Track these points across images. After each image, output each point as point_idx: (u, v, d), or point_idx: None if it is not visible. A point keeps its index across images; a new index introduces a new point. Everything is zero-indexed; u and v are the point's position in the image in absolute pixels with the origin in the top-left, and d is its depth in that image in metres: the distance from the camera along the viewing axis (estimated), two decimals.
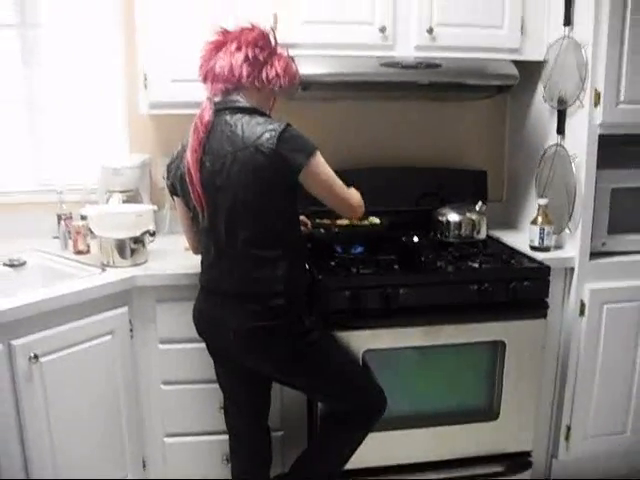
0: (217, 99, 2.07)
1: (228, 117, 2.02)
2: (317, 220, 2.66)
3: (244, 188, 1.98)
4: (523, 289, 2.42)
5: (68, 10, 2.83)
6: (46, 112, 2.93)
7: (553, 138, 2.70)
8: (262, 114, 2.06)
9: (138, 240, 2.44)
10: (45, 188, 2.92)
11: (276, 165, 1.96)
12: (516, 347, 2.49)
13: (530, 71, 2.77)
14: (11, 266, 2.56)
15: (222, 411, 2.38)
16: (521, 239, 2.76)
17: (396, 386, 2.45)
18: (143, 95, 2.59)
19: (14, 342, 2.07)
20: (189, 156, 2.02)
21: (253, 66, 2.04)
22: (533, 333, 2.49)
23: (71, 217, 2.73)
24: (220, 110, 2.04)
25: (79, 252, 2.64)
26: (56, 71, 2.88)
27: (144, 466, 2.55)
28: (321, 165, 2.03)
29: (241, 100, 2.05)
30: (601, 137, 2.51)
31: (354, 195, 2.16)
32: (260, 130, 1.97)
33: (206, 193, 2.03)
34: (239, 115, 2.02)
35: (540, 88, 2.77)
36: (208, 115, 2.03)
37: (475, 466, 2.59)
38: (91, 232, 2.56)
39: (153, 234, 2.51)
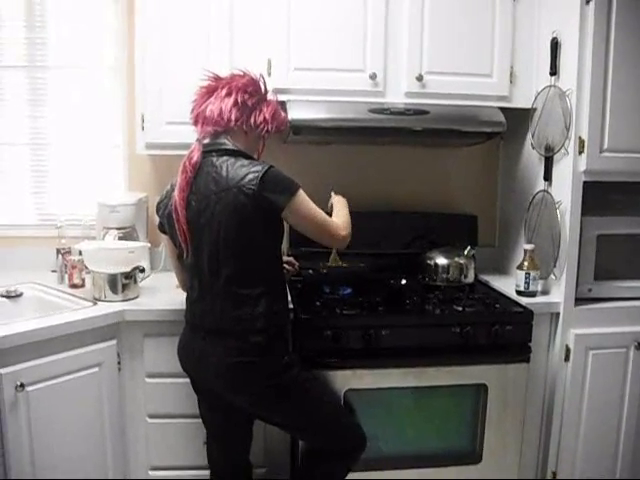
0: (206, 141, 2.14)
1: (215, 159, 2.10)
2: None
3: (226, 227, 2.04)
4: (505, 333, 2.46)
5: (73, 53, 2.96)
6: (49, 149, 3.04)
7: (541, 184, 2.75)
8: (247, 157, 2.13)
9: (129, 276, 2.51)
10: (46, 223, 3.02)
11: (258, 206, 2.02)
12: (498, 390, 2.50)
13: (521, 118, 2.82)
14: (8, 297, 2.64)
15: (205, 446, 2.42)
16: (510, 284, 2.77)
17: (378, 426, 2.48)
18: (140, 136, 2.69)
19: (1, 370, 2.12)
20: (177, 195, 2.09)
21: (242, 111, 2.12)
22: (516, 377, 2.51)
23: (69, 251, 2.81)
24: (208, 152, 2.12)
25: (74, 286, 2.71)
26: (60, 110, 3.00)
27: None
28: (303, 203, 2.09)
29: (228, 143, 2.12)
30: (587, 184, 2.55)
31: (338, 226, 2.20)
32: (244, 172, 2.04)
33: (191, 231, 2.09)
34: (225, 157, 2.10)
35: (530, 135, 2.82)
36: (196, 156, 2.10)
37: None
38: (86, 267, 2.63)
39: (143, 270, 2.57)
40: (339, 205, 2.40)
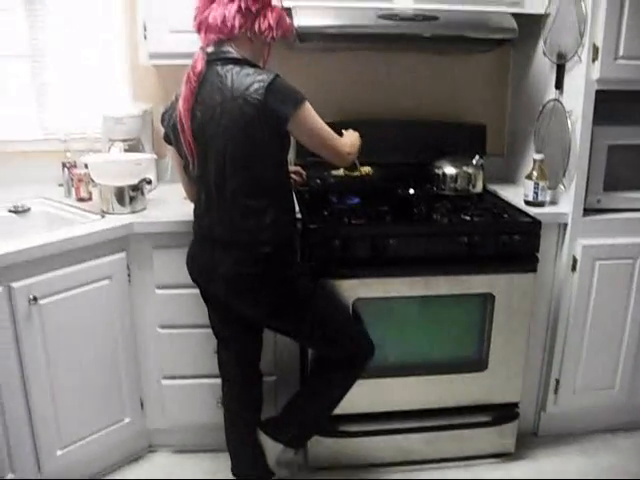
0: (210, 50, 2.08)
1: (219, 68, 2.05)
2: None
3: (232, 138, 2.02)
4: (513, 243, 2.46)
5: None
6: (51, 62, 2.96)
7: (552, 93, 2.69)
8: (253, 65, 2.08)
9: (136, 188, 2.50)
10: (51, 136, 2.97)
11: (264, 116, 1.99)
12: (505, 300, 2.53)
13: (532, 24, 2.74)
14: (15, 212, 2.64)
15: (216, 355, 2.46)
16: (519, 194, 2.75)
17: (386, 335, 2.53)
18: (143, 45, 2.62)
19: (14, 284, 2.15)
20: (181, 105, 2.06)
21: (246, 17, 2.06)
22: (522, 287, 2.52)
23: (75, 165, 2.79)
24: (212, 61, 2.06)
25: (81, 199, 2.71)
26: (60, 21, 2.90)
27: (142, 407, 2.65)
28: (309, 115, 2.06)
29: (233, 51, 2.07)
30: (599, 93, 2.49)
31: (343, 143, 2.20)
32: (249, 81, 1.99)
33: (196, 142, 2.07)
34: (230, 66, 2.05)
35: (541, 42, 2.74)
36: (200, 65, 2.06)
37: (463, 415, 2.66)
38: (92, 180, 2.62)
39: (150, 182, 2.56)
40: (348, 132, 2.39)
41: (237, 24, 2.05)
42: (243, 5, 2.04)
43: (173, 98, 2.17)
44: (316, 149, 2.16)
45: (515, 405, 2.71)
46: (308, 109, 2.06)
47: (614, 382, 2.81)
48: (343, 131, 2.43)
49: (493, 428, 2.69)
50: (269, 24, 2.09)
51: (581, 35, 2.47)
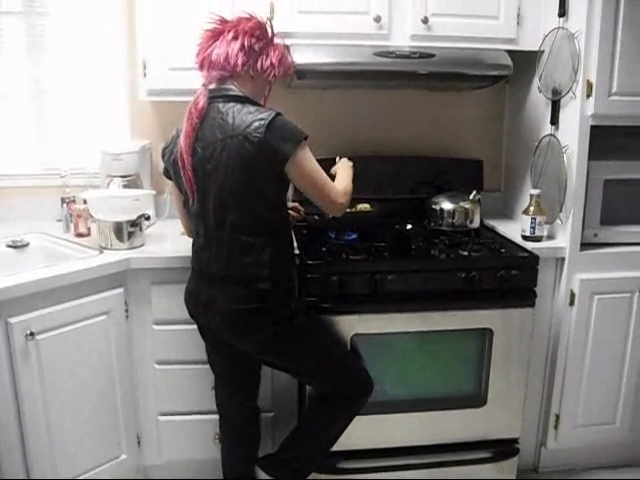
0: (212, 86, 2.11)
1: (221, 105, 2.07)
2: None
3: (232, 175, 2.03)
4: (511, 278, 2.46)
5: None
6: (51, 98, 2.99)
7: (547, 129, 2.72)
8: (254, 103, 2.10)
9: (135, 224, 2.50)
10: (50, 172, 2.99)
11: (264, 154, 2.00)
12: (504, 335, 2.52)
13: (527, 61, 2.78)
14: (14, 247, 2.64)
15: (214, 391, 2.44)
16: (516, 229, 2.77)
17: (384, 370, 2.52)
18: (142, 82, 2.64)
19: (11, 319, 2.14)
20: (182, 141, 2.08)
21: (248, 55, 2.09)
22: (521, 321, 2.52)
23: (74, 201, 2.81)
24: (214, 97, 2.09)
25: (80, 235, 2.72)
26: (60, 58, 2.94)
27: (139, 444, 2.62)
28: (307, 156, 2.07)
29: (234, 89, 2.09)
30: (594, 128, 2.52)
31: (337, 191, 2.16)
32: (250, 119, 2.01)
33: (196, 178, 2.08)
34: (231, 103, 2.07)
35: (536, 79, 2.78)
36: (202, 102, 2.08)
37: (462, 451, 2.63)
38: (91, 215, 2.63)
39: (148, 218, 2.56)
40: (342, 171, 2.38)
41: (240, 62, 2.07)
42: (246, 43, 2.08)
43: (174, 133, 2.19)
44: (310, 192, 2.14)
45: (515, 441, 2.69)
46: (307, 151, 2.07)
47: (615, 417, 2.80)
48: (337, 159, 2.48)
49: (493, 464, 2.66)
50: (271, 62, 2.13)
51: (575, 72, 2.50)
